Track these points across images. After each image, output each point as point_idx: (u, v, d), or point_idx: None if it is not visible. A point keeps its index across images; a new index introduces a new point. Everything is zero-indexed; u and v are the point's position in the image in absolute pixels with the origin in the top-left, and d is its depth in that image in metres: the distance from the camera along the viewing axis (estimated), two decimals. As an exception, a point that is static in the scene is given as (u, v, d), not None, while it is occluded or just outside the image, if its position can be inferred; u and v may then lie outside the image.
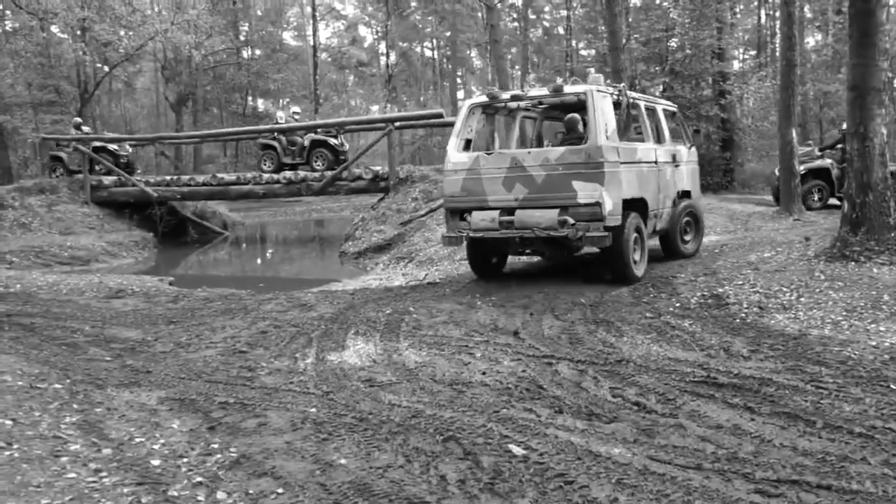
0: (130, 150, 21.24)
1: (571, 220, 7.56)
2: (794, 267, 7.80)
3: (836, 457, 3.45)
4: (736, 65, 37.10)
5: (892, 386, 4.36)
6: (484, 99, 8.66)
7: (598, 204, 7.48)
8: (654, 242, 9.58)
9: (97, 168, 19.74)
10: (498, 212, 7.97)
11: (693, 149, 10.08)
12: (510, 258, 9.78)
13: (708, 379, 4.67)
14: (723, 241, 10.79)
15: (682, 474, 3.31)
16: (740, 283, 7.35)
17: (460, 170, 8.29)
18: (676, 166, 9.28)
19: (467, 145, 8.54)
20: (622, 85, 8.63)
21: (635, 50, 25.91)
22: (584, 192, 7.55)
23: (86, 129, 21.66)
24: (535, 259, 10.28)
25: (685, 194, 9.58)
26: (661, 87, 23.01)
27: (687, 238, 9.50)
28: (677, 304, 6.85)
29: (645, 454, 3.54)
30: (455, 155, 8.37)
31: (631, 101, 8.50)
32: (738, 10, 36.19)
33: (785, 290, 6.90)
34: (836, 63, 30.72)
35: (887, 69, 8.19)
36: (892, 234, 7.73)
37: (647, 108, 8.97)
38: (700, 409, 4.15)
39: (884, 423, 3.83)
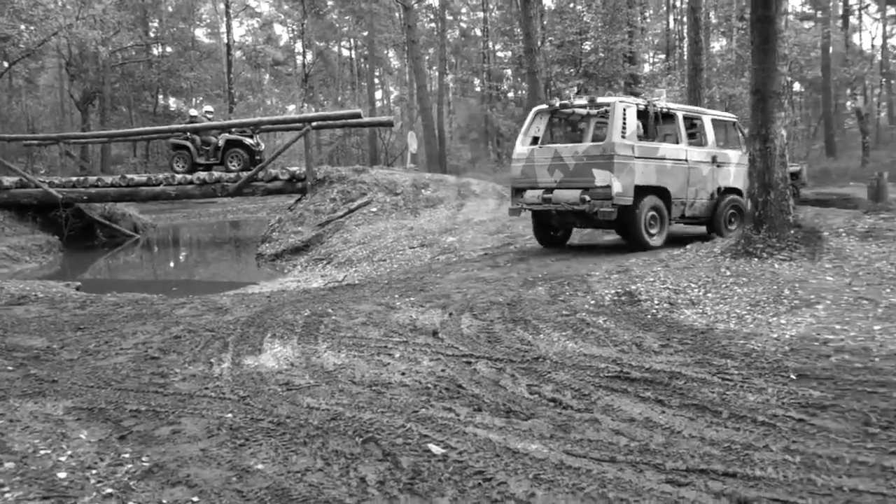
0: None
1: (587, 198, 9.66)
2: (701, 264, 8.10)
3: (741, 445, 3.59)
4: (646, 68, 38.31)
5: (793, 376, 4.58)
6: (545, 106, 10.94)
7: (608, 186, 9.54)
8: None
9: None
10: (542, 191, 10.26)
11: None
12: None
13: (621, 374, 4.80)
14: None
15: (597, 467, 3.39)
16: (651, 279, 7.58)
17: (521, 159, 10.61)
18: (718, 166, 11.00)
19: (534, 141, 10.66)
20: (660, 98, 10.26)
21: (550, 52, 26.43)
22: (600, 177, 9.63)
23: None
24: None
25: (731, 190, 11.23)
26: (575, 90, 23.53)
27: (731, 227, 11.12)
28: (592, 302, 7.01)
29: (561, 449, 3.62)
30: (519, 148, 10.73)
31: (662, 110, 10.35)
32: (647, 14, 37.35)
33: (693, 286, 7.15)
34: (739, 67, 32.08)
35: (786, 73, 8.61)
36: (792, 232, 8.12)
37: (686, 118, 10.81)
38: (614, 404, 4.26)
39: (784, 411, 4.01)
